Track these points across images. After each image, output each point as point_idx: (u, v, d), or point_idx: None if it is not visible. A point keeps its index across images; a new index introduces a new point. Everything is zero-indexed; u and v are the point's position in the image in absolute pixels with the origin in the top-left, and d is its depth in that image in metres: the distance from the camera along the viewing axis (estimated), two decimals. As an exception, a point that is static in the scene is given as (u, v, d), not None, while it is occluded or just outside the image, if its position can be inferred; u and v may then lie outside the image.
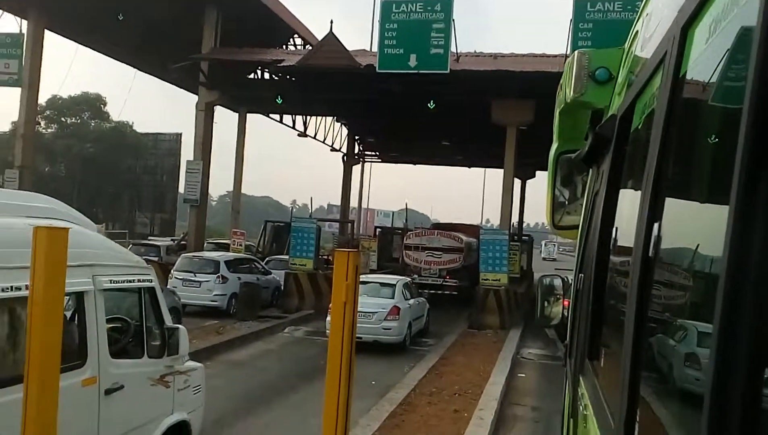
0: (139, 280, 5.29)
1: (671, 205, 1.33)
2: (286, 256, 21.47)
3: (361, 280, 11.38)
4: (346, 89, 21.24)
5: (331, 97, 22.88)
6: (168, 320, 5.58)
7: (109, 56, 29.55)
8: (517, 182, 32.12)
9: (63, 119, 48.80)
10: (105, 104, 49.72)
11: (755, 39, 0.82)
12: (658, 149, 1.45)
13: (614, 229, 2.18)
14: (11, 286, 3.71)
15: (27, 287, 2.96)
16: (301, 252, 20.15)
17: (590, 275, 2.57)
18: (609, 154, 2.44)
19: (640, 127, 1.95)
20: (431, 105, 19.97)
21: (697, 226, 1.14)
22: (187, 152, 25.93)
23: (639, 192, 1.62)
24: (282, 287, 20.04)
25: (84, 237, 4.77)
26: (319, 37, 22.06)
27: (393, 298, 14.82)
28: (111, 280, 4.86)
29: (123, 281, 5.09)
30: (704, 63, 1.18)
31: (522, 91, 18.66)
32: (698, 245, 1.09)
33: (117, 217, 45.76)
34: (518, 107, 19.26)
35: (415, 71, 18.29)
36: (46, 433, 2.80)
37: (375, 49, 19.12)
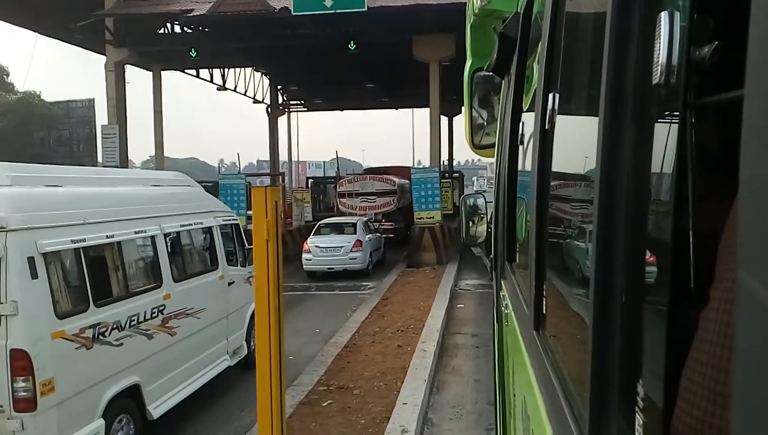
0: (231, 219, 8.71)
1: (564, 103, 1.30)
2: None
3: (327, 222, 15.44)
4: (263, 36, 20.54)
5: (247, 45, 22.07)
6: (247, 244, 8.62)
7: (4, 21, 27.45)
8: (444, 120, 32.28)
9: (-37, 94, 45.47)
10: (8, 75, 46.55)
11: None
12: (548, 42, 1.41)
13: (521, 134, 2.16)
14: (107, 236, 5.76)
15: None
16: (232, 209, 19.71)
17: (504, 184, 2.56)
18: (515, 56, 2.39)
19: (539, 19, 1.89)
20: (352, 46, 19.55)
21: (586, 124, 1.12)
22: (103, 118, 24.68)
23: (537, 91, 1.59)
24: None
25: (204, 194, 8.34)
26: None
27: (356, 233, 17.66)
28: (222, 220, 8.21)
29: (226, 220, 8.43)
30: None
31: (441, 25, 18.50)
32: (586, 143, 1.08)
33: (35, 192, 43.50)
34: (439, 42, 19.11)
35: (332, 11, 17.77)
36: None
37: (289, -9, 18.45)
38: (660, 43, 0.69)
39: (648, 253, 0.80)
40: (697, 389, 0.63)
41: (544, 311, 1.39)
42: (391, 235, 21.85)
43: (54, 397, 4.82)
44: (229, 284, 8.17)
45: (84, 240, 5.40)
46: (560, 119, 1.29)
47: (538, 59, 1.66)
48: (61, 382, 4.90)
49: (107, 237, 5.70)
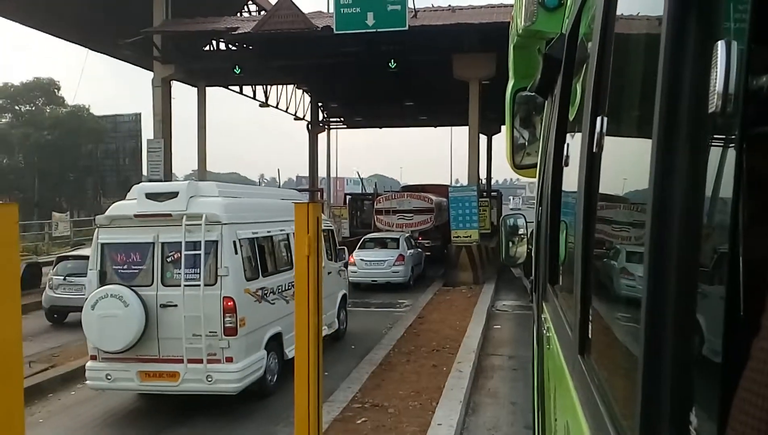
0: (328, 226, 11.66)
1: (613, 127, 1.29)
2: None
3: (372, 237, 18.00)
4: (305, 54, 20.86)
5: (290, 63, 22.44)
6: (337, 244, 12.10)
7: (57, 36, 28.51)
8: (483, 139, 32.17)
9: (17, 107, 47.04)
10: (59, 89, 47.91)
11: None
12: (596, 64, 1.41)
13: (565, 155, 2.14)
14: (268, 231, 8.78)
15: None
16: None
17: (547, 204, 2.54)
18: (560, 77, 2.38)
19: (585, 41, 1.89)
20: (392, 64, 19.68)
21: (636, 147, 1.11)
22: (149, 132, 25.29)
23: (584, 113, 1.58)
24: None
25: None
26: (274, 2, 21.50)
27: (398, 248, 18.70)
28: (325, 225, 10.38)
29: (326, 226, 10.92)
30: None
31: (482, 44, 18.50)
32: (636, 167, 1.07)
33: (82, 204, 44.67)
34: (479, 61, 19.09)
35: (374, 30, 17.94)
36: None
37: (331, 10, 18.71)
38: (716, 71, 0.69)
39: (700, 280, 0.79)
40: (748, 420, 0.62)
41: (589, 335, 1.37)
42: (428, 253, 21.76)
43: (244, 329, 7.53)
44: (328, 274, 10.58)
45: (257, 233, 8.33)
46: (609, 143, 1.29)
47: (584, 81, 1.66)
48: (247, 321, 7.61)
49: (267, 232, 8.68)
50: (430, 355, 10.11)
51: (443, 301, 15.68)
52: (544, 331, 2.41)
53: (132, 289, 7.42)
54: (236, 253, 7.64)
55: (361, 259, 18.10)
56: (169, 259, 7.60)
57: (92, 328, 7.44)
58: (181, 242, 7.41)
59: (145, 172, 27.33)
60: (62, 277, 13.27)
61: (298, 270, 3.43)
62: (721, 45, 0.69)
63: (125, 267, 7.67)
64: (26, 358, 8.57)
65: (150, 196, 7.70)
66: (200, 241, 7.38)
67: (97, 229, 7.90)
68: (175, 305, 7.41)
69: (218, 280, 7.44)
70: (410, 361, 9.77)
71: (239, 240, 7.74)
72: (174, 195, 7.62)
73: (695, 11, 0.80)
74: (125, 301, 7.31)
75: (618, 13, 1.31)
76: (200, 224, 7.38)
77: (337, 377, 8.86)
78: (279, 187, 25.26)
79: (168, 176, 22.94)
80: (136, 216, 7.59)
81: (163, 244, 7.58)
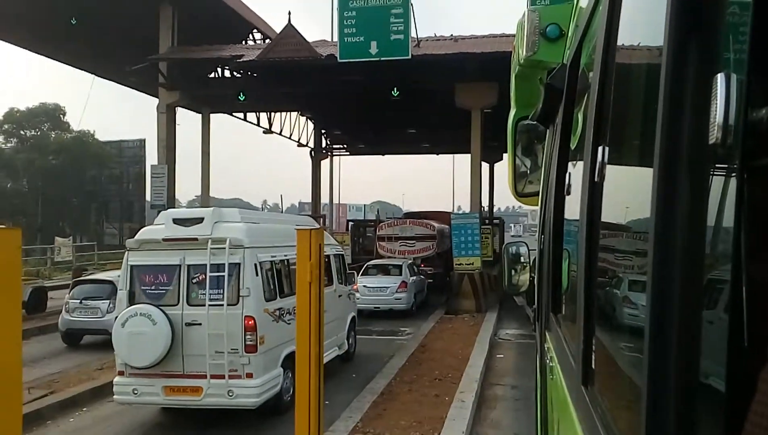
0: (339, 251, 12.14)
1: (614, 157, 1.30)
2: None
3: (374, 263, 18.05)
4: (309, 81, 21.07)
5: (294, 90, 22.66)
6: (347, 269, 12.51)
7: (64, 63, 28.88)
8: (486, 166, 32.29)
9: (22, 132, 47.36)
10: (64, 114, 48.30)
11: None
12: (597, 94, 1.43)
13: (567, 183, 2.14)
14: (285, 255, 8.81)
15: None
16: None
17: (549, 233, 2.54)
18: (561, 106, 2.40)
19: (586, 71, 1.91)
20: (395, 92, 19.87)
21: (637, 177, 1.12)
22: (153, 158, 25.45)
23: (585, 142, 1.59)
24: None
25: (324, 232, 10.90)
26: (278, 31, 21.79)
27: (401, 275, 18.55)
28: (336, 251, 11.76)
29: (337, 251, 11.85)
30: None
31: (484, 73, 18.68)
32: (637, 197, 1.07)
33: (84, 229, 44.73)
34: (481, 90, 19.26)
35: (377, 59, 18.17)
36: None
37: (335, 38, 18.96)
38: (716, 103, 0.70)
39: (703, 310, 0.79)
40: None
41: (593, 366, 1.36)
42: (430, 280, 21.69)
43: (264, 347, 7.95)
44: (339, 296, 11.35)
45: (275, 256, 8.78)
46: (610, 172, 1.29)
47: (585, 111, 1.67)
48: (266, 339, 8.02)
49: (284, 256, 8.90)
50: (432, 384, 10.01)
51: (445, 329, 15.57)
52: (547, 361, 2.39)
53: (159, 308, 7.87)
54: (257, 274, 8.10)
55: (364, 286, 17.94)
56: (194, 281, 8.08)
57: (122, 344, 7.89)
58: (206, 265, 7.84)
59: (148, 197, 27.40)
60: (78, 301, 13.44)
61: (299, 297, 3.41)
62: (720, 77, 0.70)
63: (153, 287, 8.16)
64: (25, 384, 8.53)
65: (177, 221, 8.26)
66: (224, 264, 7.82)
67: (127, 252, 8.42)
68: (200, 324, 7.85)
69: (240, 300, 7.89)
70: (412, 390, 9.67)
71: (260, 263, 8.21)
72: (199, 220, 8.17)
73: (695, 43, 0.81)
74: (153, 320, 7.77)
75: (619, 43, 1.32)
76: (224, 248, 7.82)
77: (338, 406, 8.76)
78: (282, 213, 25.26)
79: (171, 202, 23.01)
80: (164, 240, 8.10)
81: (188, 266, 8.07)
